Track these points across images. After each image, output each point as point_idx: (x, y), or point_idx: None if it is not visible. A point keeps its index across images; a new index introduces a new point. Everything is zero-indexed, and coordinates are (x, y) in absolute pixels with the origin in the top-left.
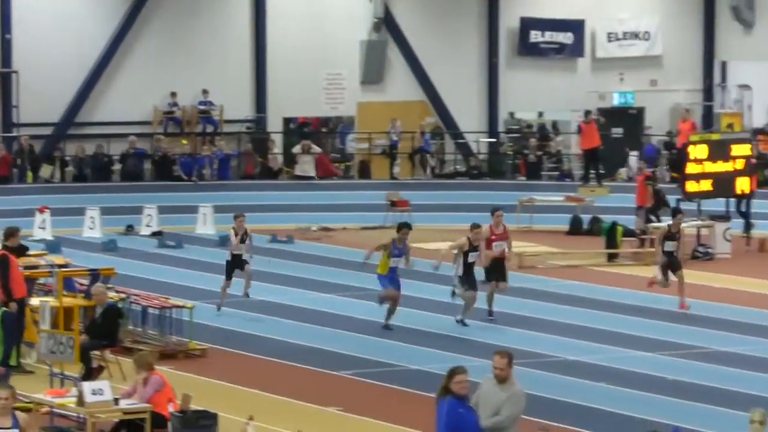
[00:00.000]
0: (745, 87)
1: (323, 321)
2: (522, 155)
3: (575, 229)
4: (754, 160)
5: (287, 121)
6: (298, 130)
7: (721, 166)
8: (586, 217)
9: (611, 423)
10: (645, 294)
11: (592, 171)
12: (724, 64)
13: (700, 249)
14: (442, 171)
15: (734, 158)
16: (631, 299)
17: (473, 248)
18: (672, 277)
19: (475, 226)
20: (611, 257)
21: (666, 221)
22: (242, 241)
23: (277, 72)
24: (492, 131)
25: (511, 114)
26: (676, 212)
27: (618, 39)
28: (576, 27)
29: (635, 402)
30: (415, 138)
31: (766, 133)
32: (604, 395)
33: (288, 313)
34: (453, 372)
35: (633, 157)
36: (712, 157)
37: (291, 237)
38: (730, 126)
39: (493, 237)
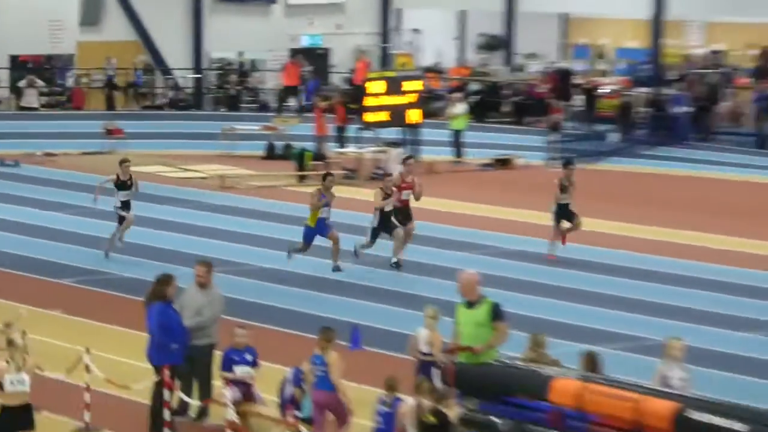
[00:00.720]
0: (417, 31)
1: (48, 235)
2: (224, 89)
3: (270, 154)
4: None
5: (13, 58)
6: (23, 66)
7: (395, 100)
8: (280, 144)
9: (295, 320)
10: (337, 210)
11: (288, 104)
12: (399, 11)
13: (377, 170)
14: (153, 103)
15: (406, 93)
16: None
17: (386, 195)
18: (566, 224)
19: (387, 175)
20: (301, 179)
21: (351, 147)
22: (128, 187)
23: (3, 14)
24: (197, 68)
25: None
26: (567, 163)
27: None
28: None
29: (317, 302)
30: (128, 74)
31: (434, 71)
32: (290, 296)
33: (14, 228)
34: (163, 279)
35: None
36: (388, 92)
37: (17, 161)
38: (403, 65)
39: (403, 185)
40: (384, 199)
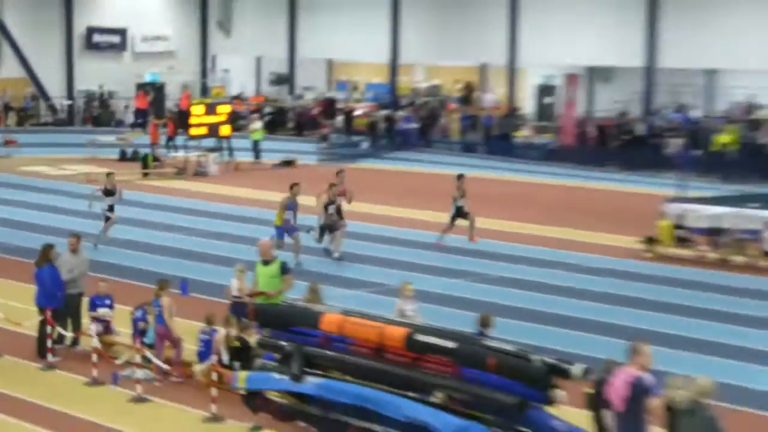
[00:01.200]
0: (227, 71)
1: None
2: (89, 112)
3: (123, 157)
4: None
5: None
6: None
7: (212, 119)
8: (129, 150)
9: (140, 275)
10: (172, 197)
11: (139, 120)
12: (214, 57)
13: (199, 169)
14: (38, 121)
15: (220, 114)
16: (156, 200)
17: (331, 202)
18: (464, 222)
19: (332, 186)
20: (145, 175)
21: (180, 152)
22: (113, 194)
23: None
24: (70, 96)
25: (80, 87)
26: (460, 176)
27: (148, 40)
28: (122, 32)
29: (156, 263)
30: (20, 101)
31: (239, 99)
32: (137, 259)
33: None
34: (47, 247)
35: (129, 114)
36: (207, 113)
37: None
38: (217, 94)
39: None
40: (328, 204)
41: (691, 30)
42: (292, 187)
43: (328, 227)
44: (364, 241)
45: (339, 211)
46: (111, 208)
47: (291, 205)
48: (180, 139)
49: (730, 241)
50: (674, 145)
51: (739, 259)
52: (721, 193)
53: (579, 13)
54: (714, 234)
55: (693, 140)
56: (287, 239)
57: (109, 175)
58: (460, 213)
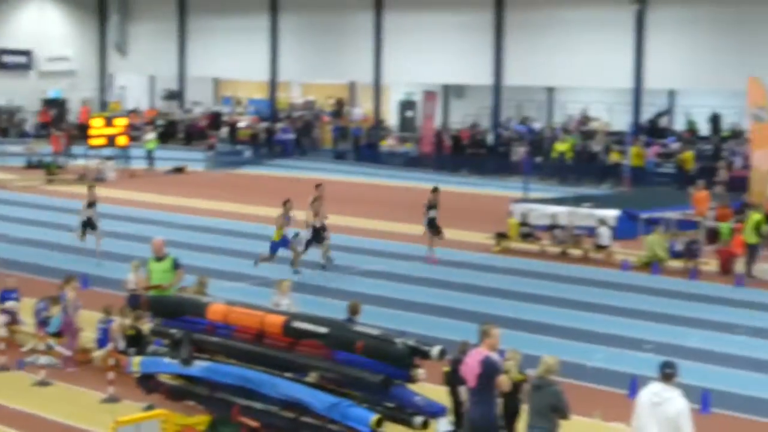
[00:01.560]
0: (123, 87)
1: None
2: None
3: (29, 165)
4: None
5: None
6: None
7: (110, 130)
8: (35, 159)
9: (46, 271)
10: (74, 201)
11: (42, 132)
12: (111, 75)
13: (98, 175)
14: None
15: (117, 126)
16: (60, 203)
17: (316, 215)
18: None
19: (315, 200)
20: (49, 181)
21: (80, 160)
22: (95, 206)
23: None
24: None
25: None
26: (435, 189)
27: (52, 60)
28: (28, 53)
29: (59, 260)
30: None
31: (135, 112)
32: (43, 257)
33: None
34: None
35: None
36: (105, 125)
37: None
38: (115, 108)
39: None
40: (315, 216)
41: (532, 53)
42: (285, 203)
43: (315, 239)
44: (244, 239)
45: (323, 225)
46: (90, 221)
47: (287, 219)
48: (80, 149)
49: (567, 236)
50: (519, 152)
51: (575, 251)
52: (559, 195)
53: (435, 38)
54: (553, 230)
55: (535, 148)
56: (281, 251)
57: (90, 187)
58: (432, 224)
